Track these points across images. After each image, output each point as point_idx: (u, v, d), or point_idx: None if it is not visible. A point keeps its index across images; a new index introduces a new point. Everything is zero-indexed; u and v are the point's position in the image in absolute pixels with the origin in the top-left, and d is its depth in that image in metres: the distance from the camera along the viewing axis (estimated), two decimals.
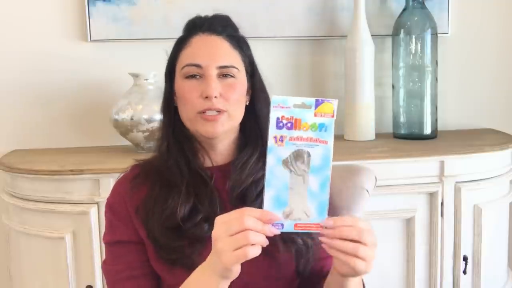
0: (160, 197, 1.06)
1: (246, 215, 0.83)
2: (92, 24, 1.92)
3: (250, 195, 1.06)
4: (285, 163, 0.85)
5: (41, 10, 1.93)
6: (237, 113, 1.08)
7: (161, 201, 1.05)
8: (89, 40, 1.93)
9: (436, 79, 1.98)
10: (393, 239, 1.76)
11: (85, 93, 1.98)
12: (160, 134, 1.13)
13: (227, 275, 0.87)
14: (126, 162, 1.16)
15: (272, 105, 0.84)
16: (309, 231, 0.87)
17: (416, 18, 1.95)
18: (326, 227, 0.86)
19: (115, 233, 1.09)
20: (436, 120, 2.00)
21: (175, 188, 1.06)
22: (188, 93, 1.05)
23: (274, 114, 0.84)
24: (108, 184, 1.60)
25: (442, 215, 1.76)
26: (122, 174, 1.14)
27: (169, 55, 1.13)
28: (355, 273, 0.88)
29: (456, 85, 2.16)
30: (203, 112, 1.04)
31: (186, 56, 1.07)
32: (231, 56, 1.08)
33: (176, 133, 1.10)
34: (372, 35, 1.95)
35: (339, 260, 0.88)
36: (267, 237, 0.86)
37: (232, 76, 1.06)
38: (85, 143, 1.99)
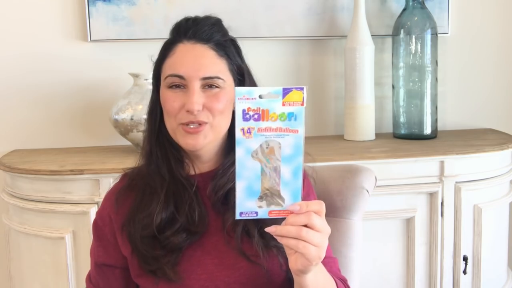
0: (143, 205, 1.05)
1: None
2: (92, 24, 1.92)
3: (232, 199, 1.03)
4: (255, 154, 0.84)
5: (41, 10, 1.93)
6: (222, 123, 1.05)
7: (143, 209, 1.05)
8: (89, 40, 1.93)
9: (436, 79, 1.98)
10: (393, 239, 1.76)
11: (85, 93, 1.98)
12: (145, 141, 1.11)
13: None
14: (126, 162, 1.17)
15: (236, 97, 0.83)
16: (283, 216, 0.87)
17: (416, 18, 1.95)
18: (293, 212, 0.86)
19: (99, 254, 1.11)
20: (436, 120, 2.00)
21: (155, 196, 1.05)
22: (170, 103, 1.03)
23: (239, 106, 0.83)
24: (108, 184, 1.60)
25: (442, 215, 1.76)
26: (112, 185, 1.14)
27: (155, 59, 1.10)
28: (307, 260, 0.86)
29: (456, 85, 2.16)
30: (185, 124, 1.02)
31: (169, 66, 1.04)
32: (216, 66, 1.04)
33: (160, 140, 1.08)
34: (372, 35, 1.95)
35: (294, 254, 0.87)
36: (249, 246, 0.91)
37: (217, 87, 1.03)
38: (85, 143, 1.99)
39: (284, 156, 0.85)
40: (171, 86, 1.03)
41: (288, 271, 1.01)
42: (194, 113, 1.01)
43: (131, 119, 1.74)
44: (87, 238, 1.64)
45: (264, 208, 0.86)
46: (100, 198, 1.62)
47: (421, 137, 1.97)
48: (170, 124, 1.05)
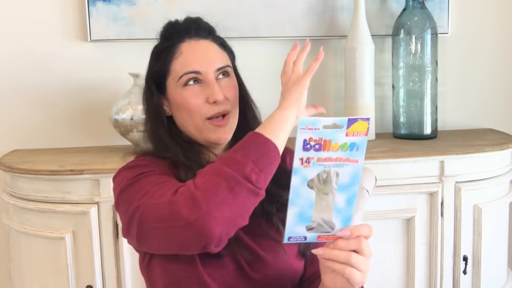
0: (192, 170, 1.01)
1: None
2: (92, 24, 1.92)
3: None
4: (311, 183, 0.82)
5: (41, 10, 1.93)
6: (237, 110, 1.10)
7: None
8: (89, 40, 1.93)
9: (436, 79, 1.98)
10: (393, 239, 1.76)
11: (85, 93, 1.98)
12: (159, 143, 1.09)
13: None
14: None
15: (299, 126, 0.80)
16: (332, 240, 0.86)
17: (416, 18, 1.95)
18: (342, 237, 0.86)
19: (141, 170, 1.01)
20: (436, 120, 2.00)
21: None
22: (192, 100, 1.05)
23: (301, 136, 0.80)
24: (108, 184, 1.60)
25: (442, 215, 1.76)
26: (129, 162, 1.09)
27: (150, 65, 1.11)
28: (349, 285, 0.87)
29: (456, 85, 2.16)
30: (211, 118, 1.05)
31: (181, 65, 1.06)
32: (223, 57, 1.09)
33: (176, 141, 1.09)
34: (372, 35, 1.95)
35: (332, 273, 0.87)
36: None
37: (226, 76, 1.08)
38: (85, 143, 1.99)
39: (341, 185, 0.83)
40: (187, 84, 1.06)
41: (299, 250, 1.06)
42: (219, 104, 1.04)
43: (131, 119, 1.74)
44: (87, 238, 1.64)
45: (314, 234, 0.85)
46: (100, 198, 1.62)
47: (421, 137, 1.97)
48: (194, 121, 1.06)
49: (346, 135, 0.81)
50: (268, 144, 0.90)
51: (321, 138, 0.81)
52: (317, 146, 0.81)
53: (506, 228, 1.92)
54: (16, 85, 1.95)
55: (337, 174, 0.82)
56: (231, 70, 1.09)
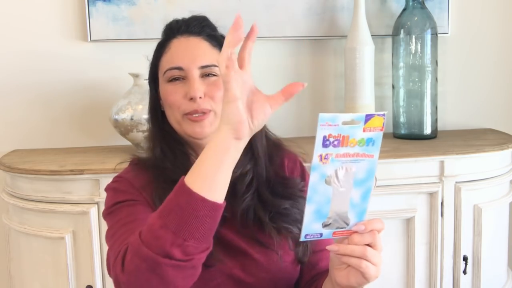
0: (167, 190, 1.03)
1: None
2: (92, 24, 1.92)
3: (240, 188, 1.06)
4: (329, 179, 0.83)
5: (41, 10, 1.93)
6: None
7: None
8: (89, 40, 1.93)
9: (436, 79, 1.98)
10: (393, 239, 1.76)
11: (85, 93, 1.98)
12: (151, 141, 1.12)
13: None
14: (126, 163, 1.16)
15: (319, 123, 0.79)
16: (346, 236, 0.86)
17: (416, 18, 1.95)
18: (358, 231, 0.85)
19: (118, 196, 1.04)
20: (436, 120, 2.00)
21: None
22: (172, 95, 1.05)
23: (321, 133, 0.80)
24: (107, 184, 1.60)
25: (442, 215, 1.76)
26: (124, 168, 1.14)
27: (151, 61, 1.13)
28: (364, 279, 0.86)
29: (456, 85, 2.16)
30: (190, 113, 1.04)
31: (167, 61, 1.08)
32: (211, 55, 1.08)
33: (166, 139, 1.10)
34: (372, 35, 1.95)
35: (345, 269, 0.87)
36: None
37: (214, 75, 1.06)
38: (85, 143, 1.99)
39: (357, 180, 0.84)
40: (171, 80, 1.06)
41: (296, 251, 1.05)
42: (197, 100, 1.03)
43: (131, 119, 1.74)
44: (87, 238, 1.64)
45: (329, 230, 0.85)
46: (100, 198, 1.62)
47: (421, 137, 1.97)
48: (174, 116, 1.06)
49: (364, 130, 0.81)
50: (192, 202, 0.79)
51: (340, 134, 0.81)
52: (336, 142, 0.81)
53: (506, 228, 1.92)
54: (16, 85, 1.96)
55: (354, 169, 0.83)
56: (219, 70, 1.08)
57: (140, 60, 1.71)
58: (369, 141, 0.82)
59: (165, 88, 1.07)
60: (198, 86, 1.03)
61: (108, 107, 1.84)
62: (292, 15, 2.01)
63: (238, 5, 1.96)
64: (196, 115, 1.04)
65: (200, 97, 1.03)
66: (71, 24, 1.95)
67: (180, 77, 1.06)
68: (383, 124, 0.82)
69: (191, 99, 1.03)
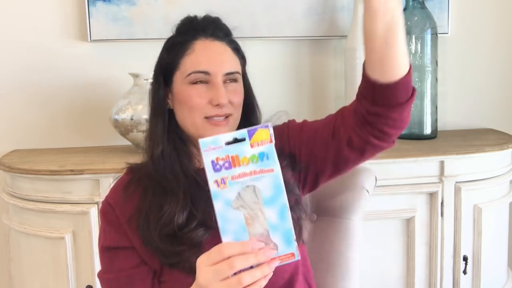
0: (155, 204, 1.05)
1: (226, 252, 0.80)
2: (92, 24, 1.92)
3: None
4: (235, 204, 0.79)
5: (41, 10, 1.93)
6: (239, 115, 1.10)
7: (156, 208, 1.04)
8: (89, 40, 1.93)
9: (436, 79, 1.98)
10: (393, 239, 1.76)
11: (85, 93, 1.98)
12: (152, 139, 1.10)
13: None
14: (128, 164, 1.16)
15: (202, 149, 0.78)
16: (284, 262, 0.82)
17: (416, 18, 1.95)
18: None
19: (109, 237, 1.09)
20: (436, 120, 2.00)
21: (171, 195, 1.05)
22: (195, 99, 1.05)
23: (207, 158, 0.78)
24: (108, 184, 1.60)
25: (442, 215, 1.76)
26: (117, 178, 1.13)
27: (160, 57, 1.11)
28: None
29: (456, 85, 2.16)
30: (211, 117, 1.05)
31: (191, 62, 1.06)
32: (234, 62, 1.09)
33: (171, 137, 1.09)
34: None
35: None
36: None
37: (235, 81, 1.08)
38: (85, 143, 1.99)
39: (266, 198, 0.80)
40: (195, 82, 1.06)
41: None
42: (222, 107, 1.05)
43: (131, 119, 1.74)
44: (87, 238, 1.64)
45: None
46: (100, 198, 1.62)
47: (421, 137, 1.97)
48: (193, 119, 1.06)
49: (252, 146, 0.79)
50: None
51: (228, 155, 0.78)
52: (226, 165, 0.79)
53: (506, 228, 1.92)
54: (17, 85, 1.96)
55: (257, 188, 0.79)
56: (239, 77, 1.09)
57: (140, 60, 1.72)
58: (262, 156, 0.79)
59: (186, 90, 1.06)
60: (225, 93, 1.05)
61: (108, 107, 1.84)
62: (292, 15, 2.01)
63: (238, 5, 1.96)
64: (218, 119, 1.05)
65: (225, 104, 1.05)
66: (71, 24, 1.95)
67: (204, 80, 1.06)
68: (271, 136, 0.79)
69: (217, 105, 1.04)
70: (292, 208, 1.02)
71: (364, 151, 1.06)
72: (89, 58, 1.97)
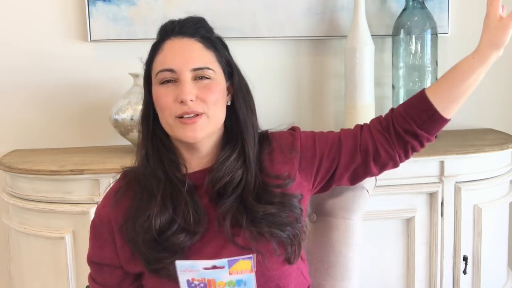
0: (141, 209, 1.05)
1: None
2: (92, 24, 1.92)
3: (227, 191, 1.06)
4: None
5: (41, 10, 1.93)
6: (217, 114, 1.06)
7: (142, 213, 1.05)
8: (89, 40, 1.93)
9: (436, 79, 1.98)
10: (393, 239, 1.76)
11: (85, 93, 1.98)
12: (139, 143, 1.12)
13: None
14: (126, 163, 1.16)
15: (178, 269, 0.79)
16: None
17: (416, 18, 1.95)
18: None
19: (94, 254, 1.13)
20: None
21: (152, 199, 1.05)
22: (163, 98, 1.04)
23: (183, 277, 0.79)
24: (108, 184, 1.60)
25: (442, 215, 1.76)
26: (112, 183, 1.14)
27: (145, 62, 1.12)
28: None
29: None
30: (181, 116, 1.03)
31: (159, 62, 1.06)
32: (205, 58, 1.06)
33: (154, 141, 1.09)
34: (372, 35, 1.94)
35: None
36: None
37: (207, 78, 1.05)
38: (85, 143, 1.99)
39: None
40: (163, 82, 1.05)
41: (285, 257, 1.04)
42: (187, 103, 1.01)
43: (131, 119, 1.74)
44: (87, 238, 1.63)
45: None
46: (100, 198, 1.62)
47: None
48: (166, 119, 1.05)
49: (230, 273, 0.80)
50: None
51: (205, 278, 0.80)
52: (202, 285, 0.80)
53: (506, 228, 1.92)
54: (17, 85, 1.96)
55: None
56: (213, 73, 1.05)
57: (140, 60, 1.71)
58: (240, 283, 0.80)
59: (156, 91, 1.06)
60: (190, 89, 1.02)
61: (108, 107, 1.84)
62: (292, 15, 2.01)
63: (238, 5, 1.96)
64: (187, 116, 1.02)
65: (191, 100, 1.02)
66: (71, 24, 1.95)
67: (172, 79, 1.04)
68: (252, 267, 0.79)
69: (182, 102, 1.02)
70: (291, 225, 1.03)
71: (385, 166, 1.16)
72: (89, 58, 1.97)
